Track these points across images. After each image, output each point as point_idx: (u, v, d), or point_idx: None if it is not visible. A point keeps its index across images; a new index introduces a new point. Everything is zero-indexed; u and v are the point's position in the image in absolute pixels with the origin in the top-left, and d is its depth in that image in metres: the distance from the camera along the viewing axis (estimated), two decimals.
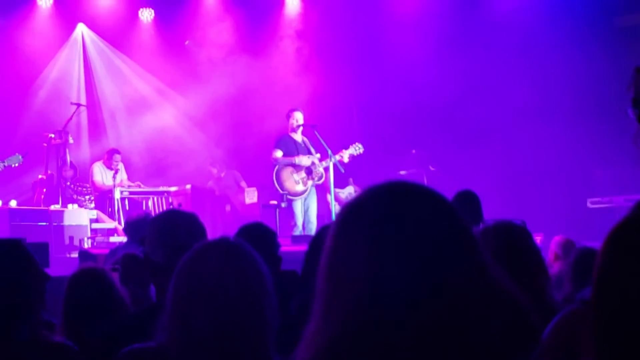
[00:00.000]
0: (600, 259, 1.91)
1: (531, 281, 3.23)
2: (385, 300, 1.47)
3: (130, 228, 7.68)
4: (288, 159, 11.74)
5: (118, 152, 13.18)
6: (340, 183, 12.78)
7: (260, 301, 2.37)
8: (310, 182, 11.81)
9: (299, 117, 11.88)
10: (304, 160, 11.76)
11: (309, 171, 11.78)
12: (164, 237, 3.27)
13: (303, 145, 11.93)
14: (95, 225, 12.00)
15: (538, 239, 10.29)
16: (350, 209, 1.59)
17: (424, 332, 1.46)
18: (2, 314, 2.97)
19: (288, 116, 11.96)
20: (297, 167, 11.76)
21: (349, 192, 13.21)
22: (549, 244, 6.91)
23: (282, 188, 11.72)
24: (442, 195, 1.59)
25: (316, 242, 3.80)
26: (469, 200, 6.23)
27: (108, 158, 13.03)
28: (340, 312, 1.50)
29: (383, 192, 1.58)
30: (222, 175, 14.27)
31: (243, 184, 14.13)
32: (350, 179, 13.33)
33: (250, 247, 2.46)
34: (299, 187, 11.76)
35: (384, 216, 1.53)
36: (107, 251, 8.62)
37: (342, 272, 1.52)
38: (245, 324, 2.34)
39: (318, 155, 11.79)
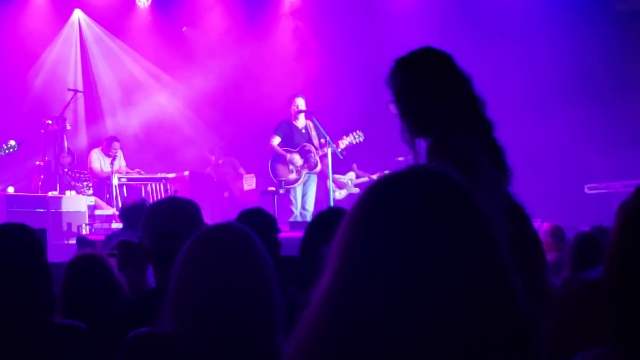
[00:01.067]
0: (615, 237, 1.91)
1: (532, 268, 3.23)
2: (399, 289, 1.45)
3: (126, 214, 7.69)
4: (282, 151, 11.72)
5: (117, 139, 13.17)
6: (341, 169, 12.75)
7: (270, 288, 2.35)
8: (304, 171, 11.80)
9: (299, 103, 11.85)
10: (295, 158, 11.74)
11: (305, 160, 11.77)
12: (150, 224, 3.28)
13: (304, 131, 11.89)
14: (98, 212, 12.01)
15: (535, 224, 10.29)
16: (370, 192, 1.54)
17: (427, 326, 1.43)
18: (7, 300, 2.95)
19: (290, 102, 11.94)
20: (289, 160, 11.75)
21: (349, 177, 13.18)
22: None
23: (276, 176, 11.74)
24: (471, 189, 1.55)
25: (312, 227, 3.80)
26: None
27: (107, 145, 13.02)
28: (346, 290, 1.48)
29: (413, 178, 1.53)
30: (220, 162, 14.26)
31: (241, 170, 14.13)
32: (354, 165, 13.29)
33: (254, 234, 2.45)
34: (292, 176, 11.76)
35: (405, 207, 1.48)
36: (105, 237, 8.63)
37: (355, 253, 1.49)
38: (257, 311, 2.31)
39: (322, 140, 11.72)
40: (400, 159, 12.94)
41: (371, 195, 1.54)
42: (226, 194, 13.80)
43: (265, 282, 2.35)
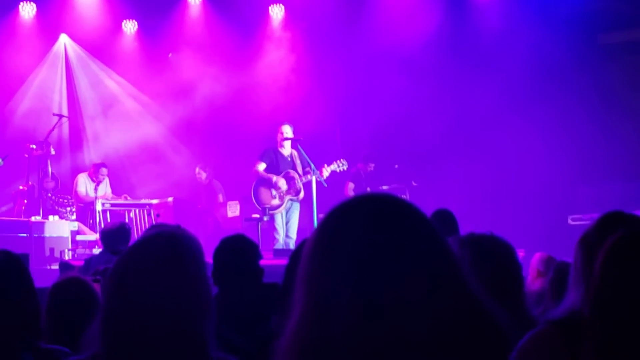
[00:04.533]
0: (601, 271, 1.94)
1: (511, 295, 3.25)
2: (364, 310, 1.49)
3: (106, 238, 7.67)
4: (268, 176, 11.73)
5: (105, 165, 13.22)
6: (324, 197, 12.73)
7: (199, 296, 2.31)
8: (287, 197, 11.80)
9: (286, 131, 11.88)
10: (281, 182, 11.75)
11: (289, 186, 11.78)
12: None
13: (289, 159, 11.91)
14: (80, 237, 11.97)
15: (520, 255, 10.32)
16: (326, 220, 1.60)
17: (401, 341, 1.47)
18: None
19: (276, 129, 11.98)
20: (274, 184, 11.75)
21: None
22: (530, 259, 6.95)
23: (259, 202, 11.74)
24: (420, 210, 1.61)
25: (296, 255, 3.80)
26: (445, 220, 6.19)
27: (95, 171, 13.04)
28: (318, 317, 1.52)
29: (365, 205, 1.60)
30: (207, 182, 14.17)
31: (220, 198, 14.03)
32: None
33: (189, 235, 2.41)
34: (275, 202, 11.76)
35: (363, 229, 1.55)
36: None
37: (321, 282, 1.54)
38: (183, 323, 2.27)
39: (308, 168, 11.74)
40: (385, 187, 12.97)
41: (326, 224, 1.60)
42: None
43: (194, 290, 2.30)
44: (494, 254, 3.38)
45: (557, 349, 2.25)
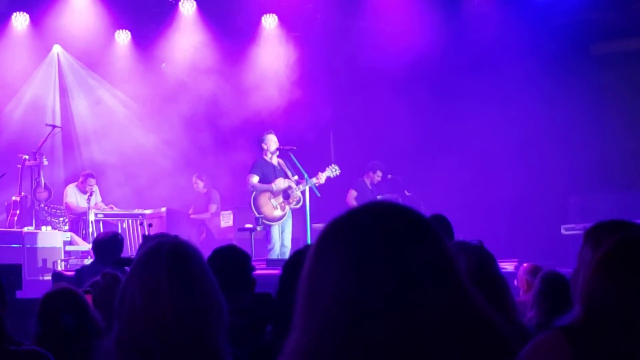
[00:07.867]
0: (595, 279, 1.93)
1: (500, 304, 3.25)
2: (365, 318, 1.47)
3: (98, 248, 7.66)
4: (265, 186, 11.69)
5: (93, 176, 13.12)
6: (318, 207, 12.72)
7: (207, 298, 2.37)
8: (288, 207, 11.76)
9: (272, 140, 11.85)
10: (280, 183, 11.71)
11: (287, 195, 11.74)
12: None
13: (279, 168, 11.87)
14: (69, 248, 11.93)
15: (512, 265, 10.33)
16: (332, 228, 1.58)
17: (401, 349, 1.46)
18: None
19: (261, 140, 11.93)
20: (274, 192, 11.72)
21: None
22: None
23: (260, 213, 11.66)
24: (423, 216, 1.60)
25: (290, 265, 3.79)
26: (440, 225, 6.17)
27: (82, 182, 12.98)
28: (318, 327, 1.50)
29: (366, 212, 1.58)
30: (205, 191, 14.14)
31: (212, 207, 13.98)
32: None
33: (193, 246, 2.47)
34: (277, 212, 11.70)
35: (366, 237, 1.53)
36: None
37: (322, 290, 1.52)
38: (196, 332, 2.32)
39: (295, 177, 11.75)
40: (379, 197, 12.96)
41: (334, 226, 1.58)
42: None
43: (204, 293, 2.38)
44: (483, 263, 3.40)
45: (563, 355, 2.24)
